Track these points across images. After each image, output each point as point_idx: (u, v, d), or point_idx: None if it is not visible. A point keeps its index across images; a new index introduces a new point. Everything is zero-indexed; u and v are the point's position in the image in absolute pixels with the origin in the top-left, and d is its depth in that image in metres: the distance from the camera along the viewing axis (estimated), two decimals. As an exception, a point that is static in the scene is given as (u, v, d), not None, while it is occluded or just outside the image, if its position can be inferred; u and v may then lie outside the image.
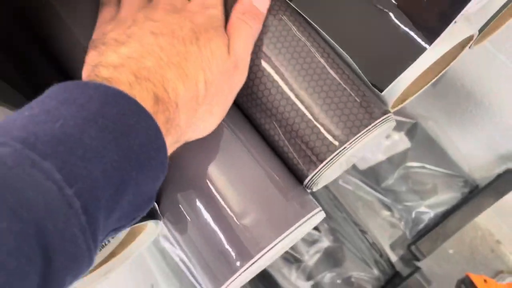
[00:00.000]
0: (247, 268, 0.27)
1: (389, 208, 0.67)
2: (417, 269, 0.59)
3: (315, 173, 0.29)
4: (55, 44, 0.33)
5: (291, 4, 0.31)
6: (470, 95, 0.73)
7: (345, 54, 0.30)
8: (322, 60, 0.29)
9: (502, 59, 0.61)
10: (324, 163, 0.28)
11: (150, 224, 0.31)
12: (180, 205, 0.29)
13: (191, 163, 0.29)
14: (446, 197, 0.66)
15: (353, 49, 0.30)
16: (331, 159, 0.28)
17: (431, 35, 0.27)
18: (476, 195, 0.59)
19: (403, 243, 0.65)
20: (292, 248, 0.68)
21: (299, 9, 0.31)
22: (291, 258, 0.64)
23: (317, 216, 0.29)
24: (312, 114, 0.28)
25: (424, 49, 0.28)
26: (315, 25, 0.30)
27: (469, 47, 0.35)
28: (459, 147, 0.84)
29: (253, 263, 0.27)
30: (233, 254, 0.27)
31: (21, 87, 0.28)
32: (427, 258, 0.61)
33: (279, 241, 0.27)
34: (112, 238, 0.33)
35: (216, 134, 0.29)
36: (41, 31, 0.33)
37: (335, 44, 0.30)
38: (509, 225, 1.02)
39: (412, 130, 0.73)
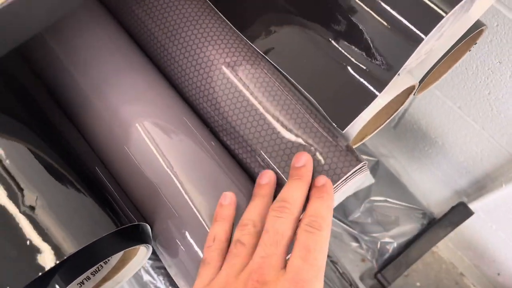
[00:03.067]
0: None
1: (356, 240, 0.72)
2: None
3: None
4: (57, 87, 0.37)
5: (266, 57, 0.36)
6: (425, 136, 0.80)
7: (313, 100, 0.35)
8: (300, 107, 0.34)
9: (449, 104, 0.68)
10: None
11: (142, 248, 0.33)
12: (171, 230, 0.32)
13: (181, 196, 0.33)
14: (407, 228, 0.71)
15: (319, 95, 0.35)
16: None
17: (380, 85, 0.32)
18: (433, 225, 0.64)
19: (370, 273, 0.68)
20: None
21: (275, 63, 0.36)
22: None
23: None
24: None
25: (376, 95, 0.33)
26: (287, 75, 0.35)
27: (414, 94, 0.41)
28: (417, 183, 0.90)
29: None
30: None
31: (28, 122, 0.31)
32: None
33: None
34: (105, 263, 0.35)
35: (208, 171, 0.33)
36: (44, 74, 0.37)
37: (304, 91, 0.35)
38: (469, 258, 1.07)
39: (375, 167, 0.78)
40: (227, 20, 0.37)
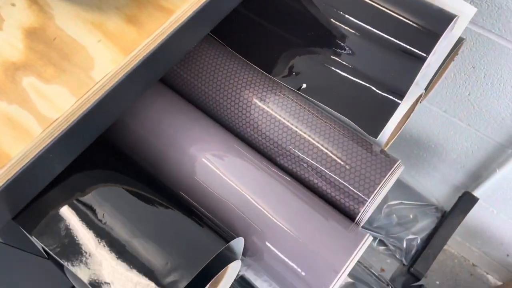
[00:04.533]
0: None
1: (383, 243, 0.78)
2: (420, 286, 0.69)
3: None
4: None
5: (300, 93, 0.44)
6: (418, 142, 0.89)
7: (347, 119, 0.43)
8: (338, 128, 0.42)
9: (435, 109, 0.78)
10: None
11: (237, 261, 0.39)
12: (256, 243, 0.39)
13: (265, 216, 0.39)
14: (425, 223, 0.78)
15: (351, 114, 0.43)
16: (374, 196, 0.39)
17: (400, 96, 0.41)
18: (447, 216, 0.72)
19: (402, 270, 0.74)
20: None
21: (308, 96, 0.44)
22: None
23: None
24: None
25: (398, 104, 0.41)
26: (319, 102, 0.44)
27: (420, 102, 0.50)
28: (422, 185, 0.98)
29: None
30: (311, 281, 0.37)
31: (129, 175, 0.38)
32: None
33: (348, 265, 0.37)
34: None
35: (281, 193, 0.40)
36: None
37: (338, 113, 0.43)
38: (478, 247, 1.14)
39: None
40: (261, 70, 0.46)
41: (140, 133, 0.43)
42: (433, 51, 0.38)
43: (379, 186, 0.39)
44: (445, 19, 0.39)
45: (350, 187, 0.39)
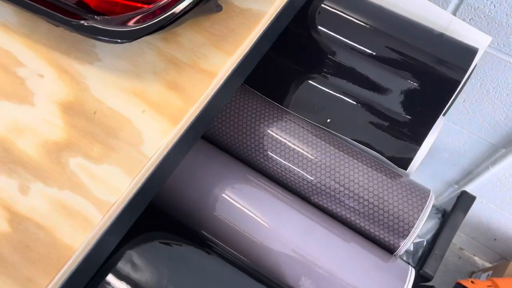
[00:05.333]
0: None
1: (390, 248, 0.81)
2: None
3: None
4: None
5: (328, 130, 0.44)
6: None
7: (374, 152, 0.43)
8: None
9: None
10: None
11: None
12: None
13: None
14: (429, 225, 0.81)
15: (381, 148, 0.43)
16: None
17: (428, 127, 0.42)
18: (448, 217, 0.75)
19: (410, 272, 0.77)
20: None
21: (335, 131, 0.44)
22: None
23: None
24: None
25: (425, 136, 0.42)
26: (347, 138, 0.44)
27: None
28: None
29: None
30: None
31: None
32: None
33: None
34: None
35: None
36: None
37: (367, 148, 0.44)
38: (466, 233, 1.20)
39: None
40: (285, 108, 0.46)
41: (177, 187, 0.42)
42: (459, 86, 0.39)
43: (417, 220, 0.40)
44: (469, 54, 0.40)
45: (390, 223, 0.40)
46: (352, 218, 0.42)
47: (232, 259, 0.37)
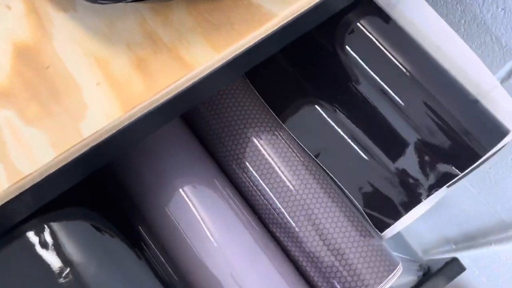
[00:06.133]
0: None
1: None
2: None
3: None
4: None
5: (317, 160, 0.39)
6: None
7: (355, 201, 0.38)
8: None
9: (449, 166, 0.73)
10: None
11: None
12: None
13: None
14: (406, 280, 0.76)
15: (362, 201, 0.38)
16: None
17: (418, 200, 0.36)
18: (429, 278, 0.70)
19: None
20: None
21: (325, 166, 0.39)
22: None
23: None
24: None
25: (414, 206, 0.37)
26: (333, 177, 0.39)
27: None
28: (410, 226, 0.95)
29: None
30: None
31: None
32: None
33: None
34: None
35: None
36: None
37: (349, 193, 0.39)
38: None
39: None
40: (278, 120, 0.41)
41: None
42: (469, 168, 0.33)
43: (371, 292, 0.35)
44: (498, 134, 0.34)
45: (342, 284, 0.36)
46: (304, 264, 0.37)
47: (161, 273, 0.34)
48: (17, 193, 0.26)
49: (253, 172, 0.39)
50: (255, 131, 0.40)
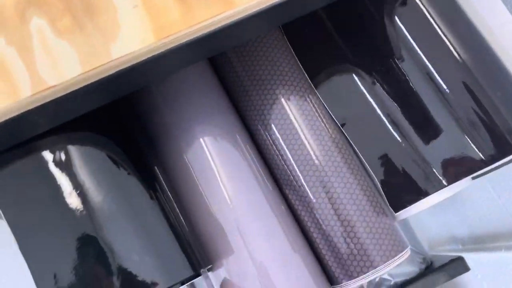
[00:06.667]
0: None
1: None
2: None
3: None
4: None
5: (342, 129, 0.38)
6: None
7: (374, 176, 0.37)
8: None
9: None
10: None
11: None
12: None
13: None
14: (407, 270, 0.75)
15: (381, 176, 0.37)
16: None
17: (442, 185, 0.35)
18: (431, 272, 0.69)
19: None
20: None
21: (349, 136, 0.38)
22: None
23: None
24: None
25: (435, 191, 0.35)
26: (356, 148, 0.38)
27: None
28: (420, 217, 0.94)
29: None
30: None
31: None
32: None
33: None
34: None
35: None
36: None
37: (369, 167, 0.37)
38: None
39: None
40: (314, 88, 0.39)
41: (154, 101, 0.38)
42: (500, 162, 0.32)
43: (375, 269, 0.34)
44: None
45: (345, 259, 0.35)
46: (312, 230, 0.36)
47: (173, 219, 0.33)
48: (38, 104, 0.25)
49: (276, 132, 0.38)
50: (285, 91, 0.38)
